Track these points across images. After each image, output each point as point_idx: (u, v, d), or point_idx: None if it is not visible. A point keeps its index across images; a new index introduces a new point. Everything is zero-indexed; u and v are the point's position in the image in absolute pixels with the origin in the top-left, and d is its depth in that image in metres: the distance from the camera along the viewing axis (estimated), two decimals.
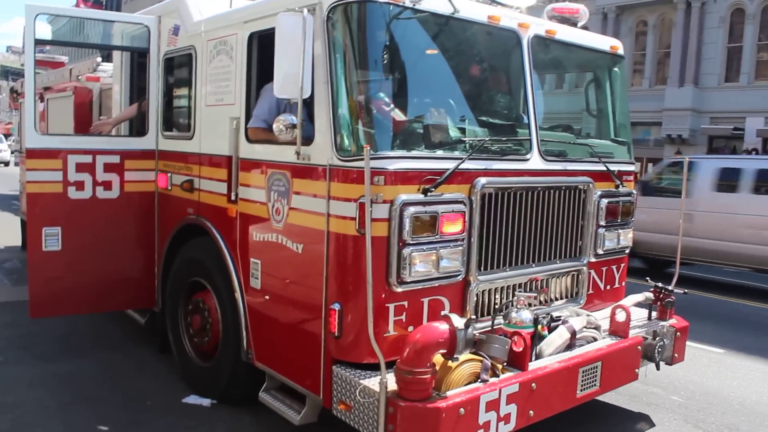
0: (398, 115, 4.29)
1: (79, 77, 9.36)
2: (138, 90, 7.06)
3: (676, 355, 5.63)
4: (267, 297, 4.86)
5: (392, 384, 3.80)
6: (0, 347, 7.05)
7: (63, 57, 13.02)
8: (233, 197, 5.17)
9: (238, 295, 5.13)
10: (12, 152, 35.63)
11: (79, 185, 6.17)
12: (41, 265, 6.15)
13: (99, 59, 9.27)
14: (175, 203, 6.08)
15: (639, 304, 5.69)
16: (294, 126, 4.21)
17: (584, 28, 5.87)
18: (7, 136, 49.61)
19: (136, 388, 6.01)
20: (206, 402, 5.67)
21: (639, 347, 5.20)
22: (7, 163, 35.32)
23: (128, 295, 6.63)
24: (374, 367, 4.06)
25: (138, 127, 6.81)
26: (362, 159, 3.93)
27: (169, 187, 6.15)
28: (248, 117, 4.99)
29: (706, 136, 27.28)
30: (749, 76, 26.17)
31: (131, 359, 6.79)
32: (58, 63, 12.46)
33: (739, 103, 25.78)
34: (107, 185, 6.29)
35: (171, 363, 6.40)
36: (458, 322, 3.86)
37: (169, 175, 6.16)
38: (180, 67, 6.09)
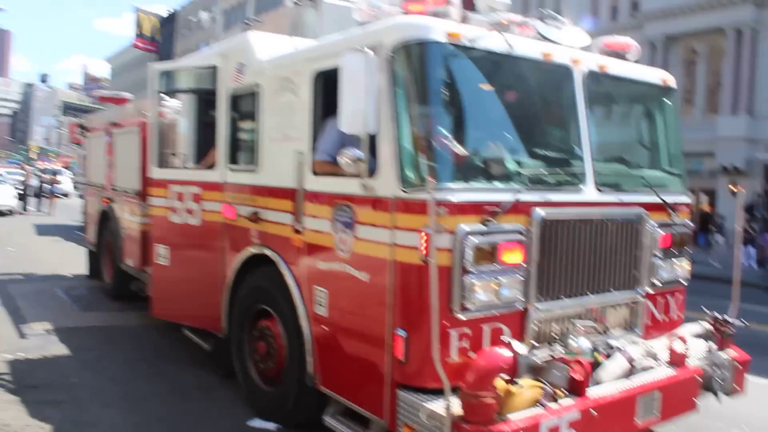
0: (458, 149, 4.48)
1: (145, 113, 9.79)
2: (203, 125, 7.43)
3: (736, 387, 5.62)
4: (333, 324, 5.07)
5: (456, 408, 3.95)
6: (74, 369, 7.40)
7: (126, 94, 13.57)
8: (299, 228, 5.41)
9: (303, 322, 5.35)
10: (74, 185, 36.89)
11: (178, 211, 7.21)
12: (158, 275, 7.44)
13: (164, 95, 9.68)
14: (241, 233, 6.34)
15: (698, 335, 5.71)
16: (359, 160, 4.44)
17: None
18: (66, 168, 51.34)
19: (203, 411, 6.26)
20: (271, 426, 5.87)
21: (698, 377, 5.23)
22: (66, 195, 36.45)
23: (207, 317, 6.94)
24: (437, 392, 4.21)
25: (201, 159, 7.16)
26: (424, 191, 4.14)
27: (236, 218, 6.43)
28: (313, 151, 5.24)
29: (761, 166, 26.79)
30: None
31: (197, 383, 7.05)
32: (122, 99, 13.04)
33: None
34: (193, 213, 7.00)
35: (236, 387, 6.63)
36: (520, 348, 4.00)
37: (235, 206, 6.44)
38: (245, 104, 6.40)
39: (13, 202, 28.51)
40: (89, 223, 12.93)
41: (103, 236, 11.71)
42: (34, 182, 33.83)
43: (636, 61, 5.97)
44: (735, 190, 6.05)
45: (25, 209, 29.65)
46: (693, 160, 28.93)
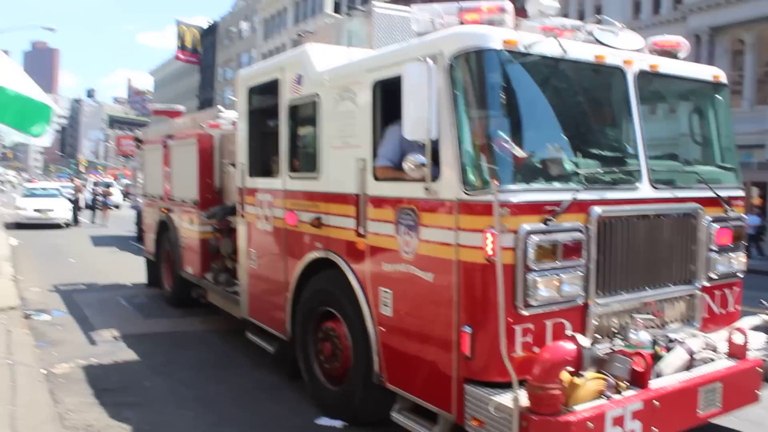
0: (518, 152, 4.65)
1: (202, 125, 10.16)
2: (260, 135, 7.72)
3: None
4: (398, 323, 5.27)
5: (523, 400, 4.11)
6: (145, 373, 7.74)
7: (180, 107, 13.99)
8: (362, 232, 5.63)
9: (369, 322, 5.56)
10: (125, 196, 37.72)
11: (260, 218, 7.58)
12: (250, 279, 7.89)
13: (221, 107, 10.04)
14: (303, 239, 6.59)
15: (756, 328, 5.76)
16: (423, 165, 4.65)
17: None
18: (114, 180, 52.56)
19: (271, 411, 6.52)
20: (338, 423, 6.09)
21: (759, 369, 5.29)
22: (118, 206, 37.31)
23: (278, 320, 7.21)
24: (502, 386, 4.39)
25: (267, 169, 7.44)
26: (487, 193, 4.34)
27: (298, 224, 6.68)
28: (374, 157, 5.46)
29: None
30: None
31: (263, 385, 7.33)
32: (176, 113, 13.45)
33: None
34: (268, 220, 7.34)
35: (301, 388, 6.89)
36: (584, 341, 4.15)
37: (296, 212, 6.69)
38: (304, 114, 6.65)
39: (69, 215, 29.42)
40: (147, 233, 13.35)
41: (162, 245, 12.11)
42: (86, 195, 34.79)
43: (684, 58, 6.06)
44: None
45: (77, 221, 30.50)
46: (743, 153, 28.39)
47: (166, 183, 11.52)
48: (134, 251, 20.04)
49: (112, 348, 8.90)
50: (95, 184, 35.15)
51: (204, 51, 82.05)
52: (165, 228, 11.73)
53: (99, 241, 23.57)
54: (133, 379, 7.57)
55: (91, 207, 32.35)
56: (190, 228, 10.36)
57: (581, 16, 35.09)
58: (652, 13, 31.88)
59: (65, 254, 19.32)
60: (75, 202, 31.35)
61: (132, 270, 15.36)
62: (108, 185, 35.75)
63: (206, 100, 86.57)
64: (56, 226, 28.32)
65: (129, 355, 8.58)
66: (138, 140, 14.26)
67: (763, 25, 27.50)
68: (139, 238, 22.42)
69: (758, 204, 27.65)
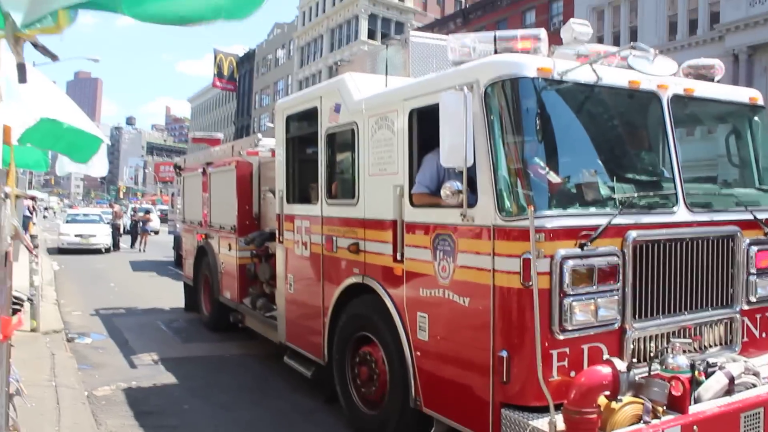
0: (553, 177, 4.71)
1: (241, 152, 10.37)
2: (299, 162, 7.88)
3: None
4: (435, 347, 5.32)
5: (560, 425, 4.13)
6: (184, 396, 7.88)
7: (219, 134, 14.29)
8: (399, 257, 5.71)
9: (405, 346, 5.62)
10: (163, 222, 38.36)
11: (298, 244, 7.69)
12: (288, 303, 8.03)
13: (260, 135, 10.25)
14: (341, 264, 6.69)
15: None
16: (459, 191, 4.73)
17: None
18: (153, 206, 53.40)
19: None
20: None
21: None
22: (157, 232, 37.87)
23: (315, 344, 7.31)
24: (539, 410, 4.42)
25: (305, 196, 7.58)
26: (522, 219, 4.40)
27: (335, 250, 6.78)
28: (411, 184, 5.56)
29: None
30: None
31: (300, 409, 7.41)
32: (215, 140, 13.75)
33: None
34: (306, 245, 7.45)
35: (337, 412, 6.95)
36: (621, 365, 4.17)
37: (333, 238, 6.80)
38: (342, 141, 6.78)
39: (109, 240, 30.01)
40: (186, 258, 13.60)
41: (201, 271, 12.33)
42: (125, 220, 35.44)
43: (720, 80, 6.08)
44: None
45: (117, 247, 31.08)
46: None
47: (205, 209, 11.75)
48: (172, 276, 20.39)
49: (151, 371, 9.07)
50: (135, 210, 35.78)
51: (240, 78, 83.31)
52: (203, 253, 11.95)
53: (138, 266, 24.00)
54: (172, 401, 7.71)
55: (131, 232, 32.93)
56: (228, 253, 10.54)
57: (617, 39, 35.08)
58: (689, 34, 31.70)
59: (105, 279, 19.72)
60: (115, 227, 31.97)
61: (170, 295, 15.63)
62: (147, 211, 36.35)
63: (243, 126, 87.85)
64: (97, 251, 28.93)
65: (168, 378, 8.74)
66: (178, 167, 14.57)
67: None
68: (177, 263, 22.84)
69: None
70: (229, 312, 10.90)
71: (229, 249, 10.48)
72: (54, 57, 3.34)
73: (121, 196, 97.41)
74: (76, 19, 3.08)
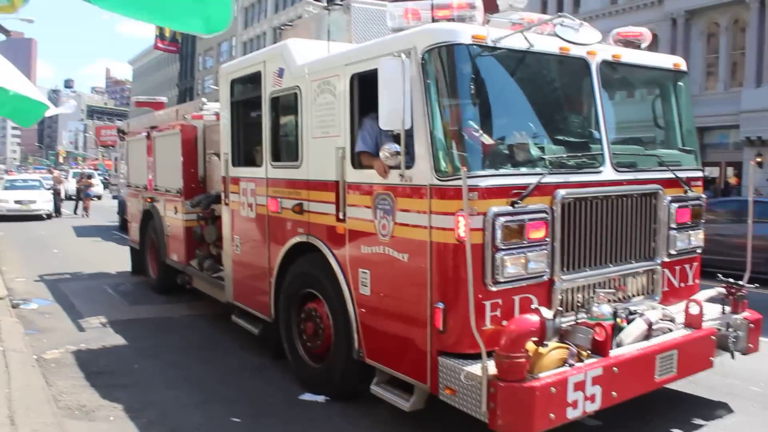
0: (486, 139, 4.97)
1: (186, 116, 10.39)
2: (243, 125, 7.99)
3: (750, 345, 6.08)
4: (376, 302, 5.59)
5: (492, 369, 4.45)
6: (134, 357, 8.03)
7: (162, 98, 14.18)
8: (341, 217, 5.93)
9: (348, 302, 5.88)
10: (106, 186, 37.63)
11: (243, 205, 7.86)
12: (234, 264, 8.21)
13: (204, 99, 10.27)
14: (285, 224, 6.88)
15: (712, 299, 6.14)
16: (398, 153, 4.96)
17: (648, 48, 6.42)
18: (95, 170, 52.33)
19: (257, 390, 6.82)
20: (321, 398, 6.41)
21: (713, 337, 5.69)
22: (99, 197, 37.17)
23: (261, 303, 7.55)
24: (473, 357, 4.74)
25: (250, 158, 7.72)
26: (458, 179, 4.66)
27: (280, 211, 6.96)
28: (353, 146, 5.76)
29: None
30: None
31: (249, 365, 7.64)
32: (158, 104, 13.64)
33: None
34: (252, 207, 7.60)
35: (285, 367, 7.20)
36: (547, 313, 4.50)
37: (278, 199, 6.98)
38: (286, 105, 6.92)
39: (50, 206, 29.43)
40: (132, 222, 13.58)
41: (147, 234, 12.35)
42: (68, 186, 34.68)
43: (649, 46, 6.39)
44: (760, 161, 6.45)
45: (59, 213, 30.52)
46: (718, 134, 29.06)
47: (150, 173, 11.74)
48: (117, 241, 20.26)
49: (100, 334, 9.14)
50: (82, 176, 34.89)
51: (183, 40, 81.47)
52: (149, 217, 11.97)
53: (81, 231, 23.70)
54: (123, 362, 7.84)
55: (75, 198, 32.24)
56: (174, 217, 10.61)
57: (560, 3, 35.51)
58: None
59: (49, 245, 19.46)
60: (56, 193, 31.32)
61: (116, 259, 15.61)
62: (89, 176, 35.59)
63: (186, 89, 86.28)
64: (38, 217, 28.34)
65: (117, 340, 8.84)
66: (121, 131, 14.44)
67: (738, 8, 28.00)
68: (122, 227, 22.65)
69: (735, 183, 28.28)
70: (176, 274, 10.99)
71: (176, 212, 10.54)
72: (8, 33, 3.42)
73: (61, 161, 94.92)
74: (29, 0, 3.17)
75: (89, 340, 8.77)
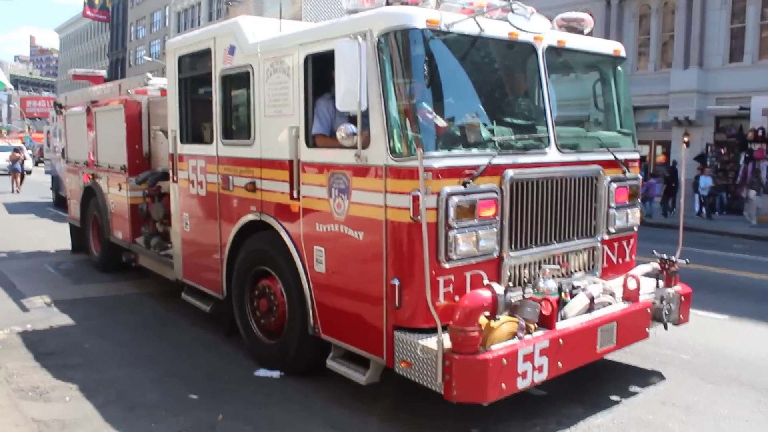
0: (439, 121, 5.15)
1: (129, 91, 10.24)
2: (191, 102, 7.96)
3: (681, 317, 6.49)
4: (331, 279, 5.74)
5: (447, 342, 4.67)
6: (83, 336, 7.98)
7: (101, 71, 13.88)
8: (295, 195, 6.03)
9: (303, 279, 6.01)
10: (38, 161, 36.33)
11: (193, 183, 7.89)
12: (183, 241, 8.22)
13: (149, 74, 10.14)
14: (237, 202, 6.94)
15: (648, 274, 6.51)
16: (354, 134, 5.09)
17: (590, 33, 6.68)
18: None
19: (212, 366, 6.90)
20: (276, 374, 6.54)
21: (648, 310, 6.06)
22: (29, 172, 35.91)
23: (213, 280, 7.59)
24: (427, 331, 4.95)
25: (199, 135, 7.71)
26: (412, 159, 4.83)
27: (231, 188, 7.01)
28: (307, 126, 5.86)
29: (712, 117, 27.82)
30: (753, 55, 26.65)
31: (202, 342, 7.70)
32: (98, 78, 13.36)
33: (744, 83, 26.21)
34: (202, 184, 7.61)
35: (237, 344, 7.30)
36: (499, 289, 4.73)
37: (230, 177, 7.02)
38: (237, 83, 6.94)
39: None
40: (71, 199, 13.31)
41: (89, 211, 12.15)
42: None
43: (590, 33, 6.66)
44: (686, 140, 6.82)
45: None
46: (648, 113, 29.97)
47: (91, 149, 11.53)
48: (53, 217, 19.82)
49: (45, 314, 9.02)
50: (15, 150, 33.42)
51: (114, 8, 79.13)
52: (91, 194, 11.77)
53: (13, 208, 23.04)
54: (72, 342, 7.78)
55: (14, 173, 30.94)
56: (119, 194, 10.48)
57: None
58: None
59: None
60: None
61: (54, 236, 15.34)
62: (17, 149, 34.28)
63: (118, 59, 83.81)
64: None
65: (64, 319, 8.74)
66: (59, 105, 14.08)
67: None
68: (57, 203, 22.12)
69: (662, 161, 29.30)
70: (120, 252, 10.89)
71: (120, 189, 10.41)
72: None
73: None
74: None
75: (35, 321, 8.65)
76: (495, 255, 5.38)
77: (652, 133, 29.99)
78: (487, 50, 5.67)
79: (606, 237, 6.40)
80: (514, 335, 4.90)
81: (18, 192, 29.09)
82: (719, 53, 27.50)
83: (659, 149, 30.19)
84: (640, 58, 30.56)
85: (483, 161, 5.19)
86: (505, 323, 4.90)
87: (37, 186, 29.59)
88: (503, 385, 4.72)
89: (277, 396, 6.10)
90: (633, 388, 6.35)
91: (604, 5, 30.39)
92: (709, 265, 13.29)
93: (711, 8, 27.48)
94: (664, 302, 6.18)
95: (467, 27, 5.30)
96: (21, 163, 30.83)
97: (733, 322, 8.93)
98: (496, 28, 5.54)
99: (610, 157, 6.34)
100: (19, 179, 30.28)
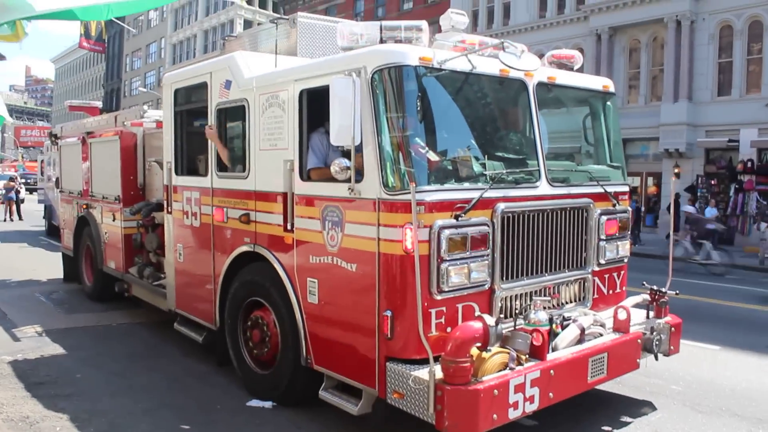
0: (432, 156, 5.25)
1: (125, 123, 10.34)
2: (187, 135, 8.06)
3: (672, 347, 6.57)
4: (324, 310, 5.79)
5: (438, 373, 4.72)
6: (75, 366, 7.97)
7: (97, 103, 14.00)
8: (289, 227, 6.10)
9: (296, 309, 6.05)
10: (32, 191, 36.25)
11: (187, 214, 7.97)
12: (178, 272, 8.26)
13: (145, 107, 10.25)
14: (232, 234, 7.00)
15: (638, 305, 6.59)
16: (348, 168, 5.18)
17: (579, 70, 6.83)
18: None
19: (204, 396, 6.91)
20: (268, 404, 6.56)
21: (639, 341, 6.13)
22: (22, 201, 35.84)
23: (206, 311, 7.62)
24: (419, 362, 5.00)
25: (194, 168, 7.80)
26: (405, 193, 4.92)
27: (225, 220, 7.08)
28: (301, 159, 5.95)
29: (702, 149, 28.15)
30: (740, 89, 27.08)
31: (194, 372, 7.70)
32: (93, 109, 13.50)
33: (733, 116, 26.64)
34: (196, 216, 7.70)
35: (231, 373, 7.31)
36: (490, 320, 4.80)
37: (225, 209, 7.09)
38: (233, 117, 7.04)
39: None
40: (65, 228, 13.34)
41: (82, 241, 12.18)
42: None
43: (580, 69, 6.81)
44: (677, 171, 6.95)
45: None
46: (639, 145, 30.29)
47: (86, 179, 11.60)
48: (45, 246, 19.79)
49: (37, 343, 9.00)
50: (11, 179, 33.51)
51: (110, 39, 79.58)
52: (85, 223, 11.81)
53: (5, 236, 22.96)
54: (64, 371, 7.77)
55: (3, 202, 30.97)
56: (112, 224, 10.53)
57: (491, 15, 36.35)
58: (557, 12, 33.30)
59: None
60: None
61: (46, 266, 15.32)
62: (11, 178, 34.31)
63: (113, 90, 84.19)
64: None
65: (56, 349, 8.73)
66: (54, 135, 14.17)
67: (657, 27, 29.25)
68: (49, 232, 22.11)
69: (654, 192, 29.57)
70: (113, 282, 10.90)
71: (113, 219, 10.46)
72: (2, 57, 3.49)
73: None
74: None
75: (26, 350, 8.64)
76: (486, 287, 5.45)
77: (643, 164, 30.28)
78: (479, 86, 5.80)
79: (596, 268, 6.49)
80: (505, 366, 4.96)
81: (12, 220, 29.07)
82: (708, 87, 27.92)
83: (650, 180, 30.46)
84: (630, 92, 30.94)
85: (474, 195, 5.28)
86: (496, 354, 4.96)
87: (30, 215, 29.54)
88: (494, 416, 4.76)
89: (269, 427, 6.11)
90: (624, 419, 6.39)
91: (594, 39, 30.83)
92: (701, 296, 13.39)
93: (699, 43, 27.96)
94: (654, 333, 6.25)
95: (459, 64, 5.43)
96: (16, 192, 30.85)
97: (725, 353, 9.00)
98: (487, 65, 5.67)
99: (600, 190, 6.44)
100: (13, 207, 30.31)
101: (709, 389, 7.34)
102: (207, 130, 7.18)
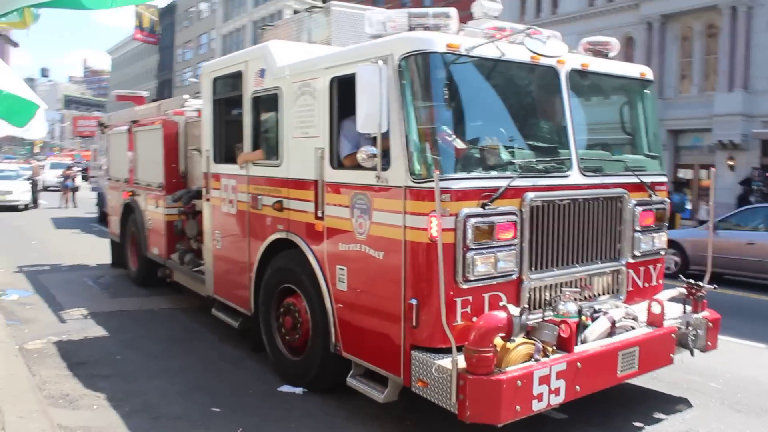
0: (459, 144, 5.21)
1: (168, 112, 10.53)
2: (225, 123, 8.16)
3: (709, 343, 6.38)
4: (353, 297, 5.81)
5: (461, 363, 4.70)
6: (116, 348, 8.19)
7: (143, 92, 14.28)
8: (320, 214, 6.14)
9: (326, 297, 6.10)
10: (86, 178, 37.21)
11: (225, 201, 8.07)
12: (216, 259, 8.38)
13: (186, 96, 10.41)
14: (266, 221, 7.08)
15: (674, 299, 6.43)
16: (374, 155, 5.19)
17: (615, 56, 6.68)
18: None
19: (237, 380, 7.02)
20: (298, 390, 6.63)
21: (673, 335, 5.97)
22: (77, 188, 36.89)
23: (242, 297, 7.74)
24: (444, 351, 4.98)
25: (231, 155, 7.89)
26: (432, 180, 4.89)
27: (260, 207, 7.15)
28: (331, 147, 5.97)
29: (758, 140, 27.31)
30: None
31: (229, 357, 7.84)
32: (139, 98, 13.75)
33: None
34: (232, 203, 7.81)
35: (263, 360, 7.41)
36: (514, 310, 4.75)
37: (259, 197, 7.17)
38: (267, 105, 7.10)
39: (28, 197, 29.26)
40: (112, 215, 13.69)
41: (127, 227, 12.47)
42: (47, 177, 34.42)
43: (626, 49, 6.67)
44: (731, 164, 6.73)
45: (36, 203, 30.39)
46: (691, 136, 29.56)
47: (131, 167, 11.86)
48: (97, 233, 20.30)
49: (81, 325, 9.28)
50: (68, 168, 34.69)
51: (162, 31, 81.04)
52: (130, 210, 12.09)
53: (60, 223, 23.68)
54: (105, 353, 7.99)
55: (60, 189, 32.02)
56: (156, 211, 10.75)
57: (539, 5, 35.84)
58: (607, 0, 32.65)
59: (27, 236, 19.48)
60: (34, 183, 31.14)
61: (96, 251, 15.69)
62: (69, 167, 35.39)
63: (165, 81, 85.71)
64: (14, 208, 28.19)
65: (99, 331, 8.98)
66: (102, 125, 14.51)
67: (711, 14, 28.45)
68: (101, 220, 22.66)
69: (707, 185, 28.81)
70: (156, 267, 11.12)
71: (157, 206, 10.68)
72: (15, 44, 3.58)
73: (37, 150, 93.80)
74: (38, 19, 3.33)
75: (71, 332, 8.90)
76: (514, 276, 5.39)
77: (696, 156, 29.57)
78: (509, 74, 5.73)
79: (631, 260, 6.36)
80: (530, 357, 4.90)
81: (67, 207, 29.94)
82: (765, 76, 27.00)
83: (703, 173, 29.71)
84: (683, 81, 30.19)
85: (502, 183, 5.22)
86: (521, 345, 4.90)
87: (84, 202, 30.33)
88: (518, 407, 4.71)
89: (298, 412, 6.18)
90: (657, 415, 6.26)
91: (645, 28, 30.15)
92: (749, 291, 13.03)
93: (756, 30, 27.07)
94: (690, 328, 6.11)
95: (488, 51, 5.37)
96: (72, 180, 31.83)
97: None
98: (517, 52, 5.59)
99: (636, 180, 6.31)
100: (70, 194, 31.27)
101: (751, 388, 7.14)
102: None
